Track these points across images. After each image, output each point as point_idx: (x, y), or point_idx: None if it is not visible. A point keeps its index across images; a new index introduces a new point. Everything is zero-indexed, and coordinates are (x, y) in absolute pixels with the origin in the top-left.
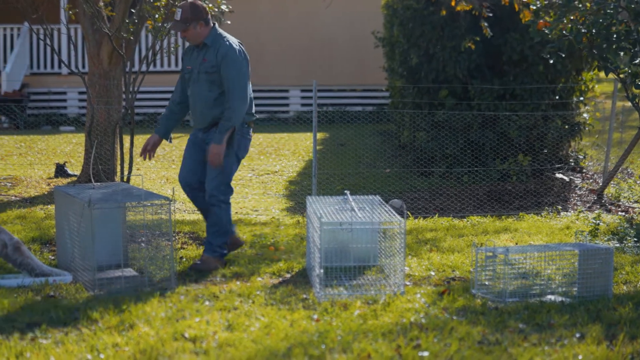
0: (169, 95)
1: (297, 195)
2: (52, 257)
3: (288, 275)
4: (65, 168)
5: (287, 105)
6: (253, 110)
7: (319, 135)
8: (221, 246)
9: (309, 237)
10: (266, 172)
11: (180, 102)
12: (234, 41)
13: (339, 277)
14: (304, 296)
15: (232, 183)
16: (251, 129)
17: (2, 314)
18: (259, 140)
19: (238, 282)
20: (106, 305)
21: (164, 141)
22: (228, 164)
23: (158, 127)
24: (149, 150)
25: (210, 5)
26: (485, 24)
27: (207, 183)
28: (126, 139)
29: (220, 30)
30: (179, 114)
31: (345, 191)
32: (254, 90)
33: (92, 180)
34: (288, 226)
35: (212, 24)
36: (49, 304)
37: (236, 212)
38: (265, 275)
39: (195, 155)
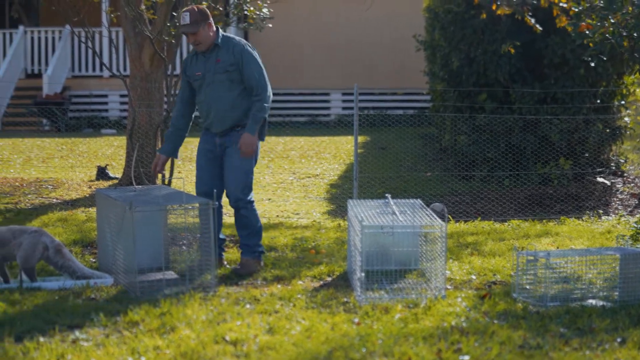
0: None
1: (338, 198)
2: (93, 260)
3: (329, 279)
4: (106, 171)
5: (328, 108)
6: None
7: (360, 139)
8: (258, 245)
9: (350, 240)
10: (307, 175)
11: (184, 115)
12: (242, 39)
13: (380, 280)
14: (345, 299)
15: (273, 186)
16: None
17: (43, 316)
18: (300, 143)
19: (279, 285)
20: (147, 307)
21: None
22: (251, 166)
23: (164, 146)
24: (159, 171)
25: (252, 8)
26: (533, 21)
27: (231, 189)
28: None
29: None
30: (184, 129)
31: (387, 195)
32: (296, 94)
33: (134, 183)
34: (329, 229)
35: (215, 26)
36: (90, 306)
37: (277, 215)
38: (306, 279)
39: (212, 166)
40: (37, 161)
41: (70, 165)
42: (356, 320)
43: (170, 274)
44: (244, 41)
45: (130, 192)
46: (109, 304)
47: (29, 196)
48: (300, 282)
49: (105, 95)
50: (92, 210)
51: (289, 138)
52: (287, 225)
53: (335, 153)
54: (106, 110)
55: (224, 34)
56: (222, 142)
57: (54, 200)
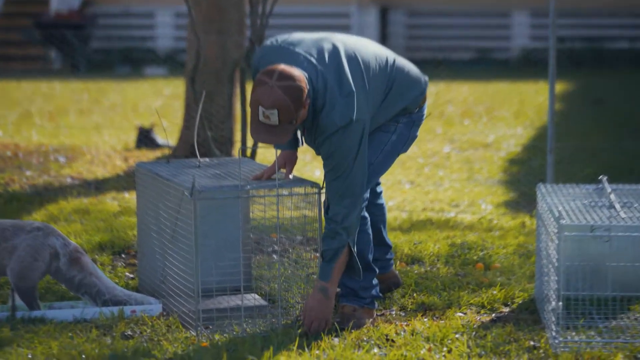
0: (310, 21)
1: (522, 182)
2: (131, 275)
3: (505, 310)
4: (152, 134)
5: (506, 38)
6: (423, 80)
7: (559, 87)
8: (367, 287)
9: (539, 249)
10: (472, 144)
11: None
12: (335, 109)
13: (588, 313)
14: (532, 343)
15: (418, 162)
16: (425, 106)
17: None
18: (462, 93)
19: (425, 319)
20: (216, 351)
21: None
22: (386, 159)
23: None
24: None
25: None
26: None
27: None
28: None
29: (321, 81)
30: None
31: (601, 177)
32: (458, 14)
33: (197, 154)
34: (506, 231)
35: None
36: (125, 349)
37: (424, 209)
38: (469, 309)
39: None
40: (40, 118)
41: (95, 125)
42: None
43: (253, 298)
44: (332, 125)
45: (191, 168)
46: (155, 344)
47: (28, 173)
48: (459, 314)
49: (151, 15)
50: (131, 197)
51: (444, 85)
52: (440, 223)
53: (518, 109)
54: (152, 39)
55: (317, 101)
56: None
57: (68, 179)
